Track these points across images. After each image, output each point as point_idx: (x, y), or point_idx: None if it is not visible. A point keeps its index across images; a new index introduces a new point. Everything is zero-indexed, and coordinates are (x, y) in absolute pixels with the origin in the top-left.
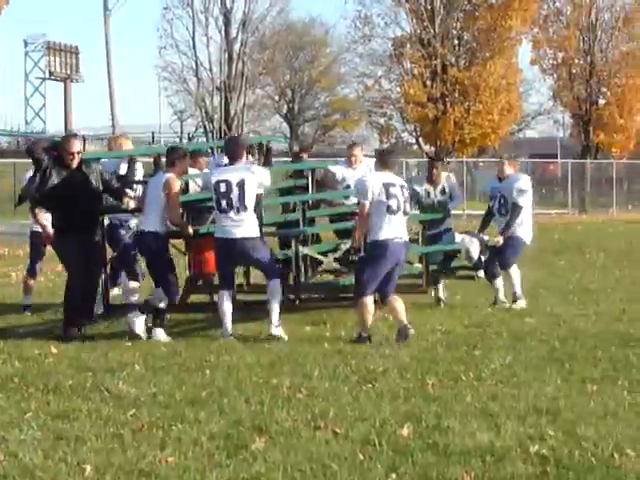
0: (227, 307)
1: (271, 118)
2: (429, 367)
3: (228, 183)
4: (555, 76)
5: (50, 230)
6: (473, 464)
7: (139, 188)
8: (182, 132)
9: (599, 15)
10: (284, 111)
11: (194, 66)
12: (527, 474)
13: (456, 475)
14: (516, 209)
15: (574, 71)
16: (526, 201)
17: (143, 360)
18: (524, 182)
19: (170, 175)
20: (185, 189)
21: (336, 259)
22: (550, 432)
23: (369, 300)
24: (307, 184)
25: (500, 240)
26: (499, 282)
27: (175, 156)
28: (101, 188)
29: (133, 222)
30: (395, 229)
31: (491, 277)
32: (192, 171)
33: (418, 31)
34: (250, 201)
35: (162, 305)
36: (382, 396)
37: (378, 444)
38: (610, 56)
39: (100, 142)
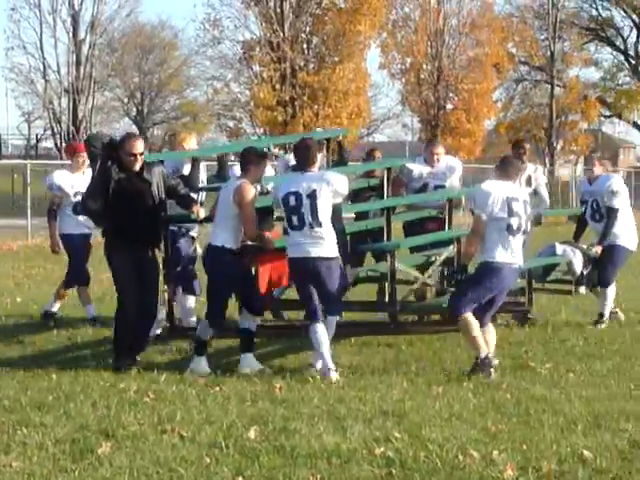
0: (322, 338)
1: (120, 120)
2: (277, 370)
3: (298, 195)
4: (403, 80)
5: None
6: (319, 466)
7: (204, 193)
8: (30, 134)
9: (447, 21)
10: (133, 113)
11: (42, 68)
12: (373, 476)
13: (302, 477)
14: (611, 213)
15: (422, 76)
16: (622, 202)
17: None
18: (616, 182)
19: (243, 182)
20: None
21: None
22: (396, 434)
23: (469, 316)
24: (380, 184)
25: (598, 250)
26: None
27: (251, 159)
28: (164, 195)
29: (195, 231)
30: (512, 252)
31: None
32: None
33: (267, 34)
34: (324, 215)
35: (251, 327)
36: (229, 399)
37: (225, 447)
38: (457, 61)
39: None
